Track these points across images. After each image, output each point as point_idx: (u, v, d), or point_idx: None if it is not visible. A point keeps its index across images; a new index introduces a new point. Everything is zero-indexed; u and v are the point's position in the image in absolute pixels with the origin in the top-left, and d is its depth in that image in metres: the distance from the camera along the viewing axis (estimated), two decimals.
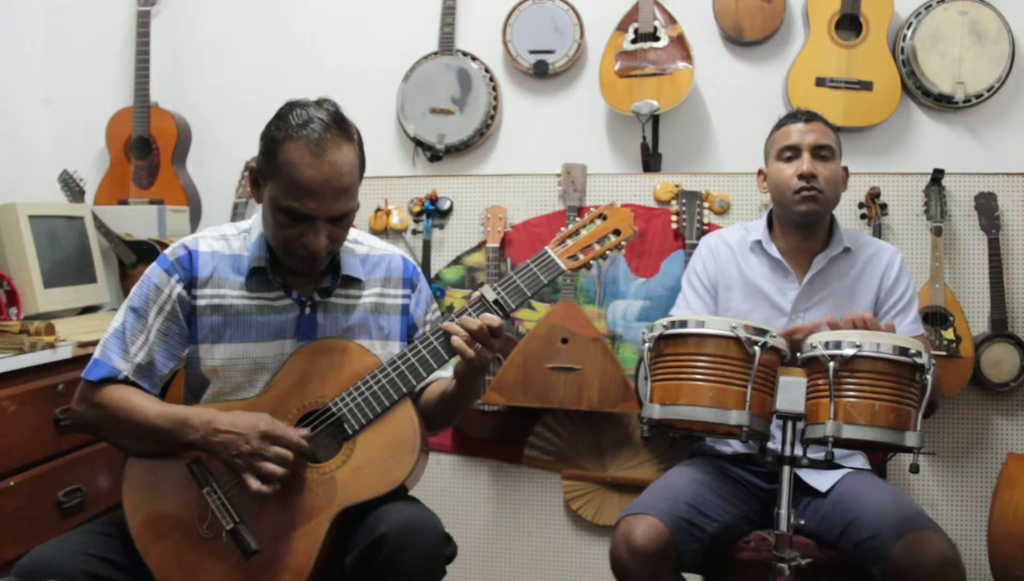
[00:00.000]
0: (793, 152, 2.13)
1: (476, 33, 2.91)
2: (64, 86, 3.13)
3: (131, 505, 1.62)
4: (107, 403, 1.65)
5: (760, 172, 2.27)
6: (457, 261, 2.91)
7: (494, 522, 2.90)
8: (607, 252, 1.73)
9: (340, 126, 1.62)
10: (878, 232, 2.57)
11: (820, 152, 2.11)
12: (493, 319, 1.63)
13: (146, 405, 1.64)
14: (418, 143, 2.91)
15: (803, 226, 2.17)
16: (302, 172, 1.57)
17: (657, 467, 2.72)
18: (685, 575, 1.97)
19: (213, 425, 1.59)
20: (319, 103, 1.65)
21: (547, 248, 1.71)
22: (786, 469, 1.69)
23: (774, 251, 2.18)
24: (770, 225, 2.23)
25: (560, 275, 1.70)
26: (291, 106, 1.64)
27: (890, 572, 1.77)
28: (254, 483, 1.56)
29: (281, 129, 1.60)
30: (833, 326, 1.80)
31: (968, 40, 2.59)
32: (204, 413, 1.62)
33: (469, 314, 1.66)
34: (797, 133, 2.13)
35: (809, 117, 2.16)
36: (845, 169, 2.20)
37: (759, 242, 2.21)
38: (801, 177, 2.09)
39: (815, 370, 1.67)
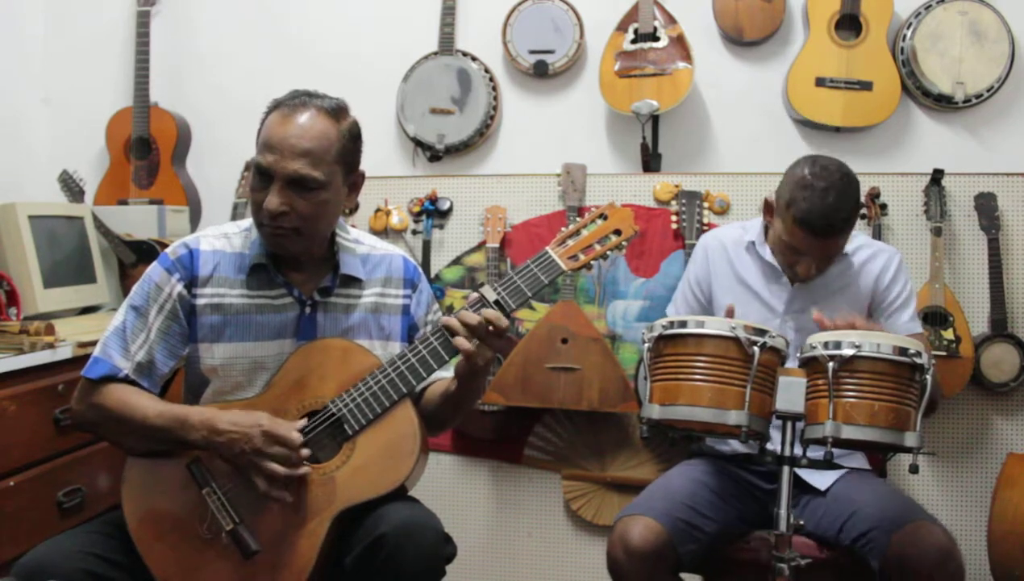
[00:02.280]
0: (798, 252, 2.04)
1: (476, 33, 2.91)
2: (64, 86, 3.13)
3: (131, 505, 1.62)
4: (107, 402, 1.65)
5: (767, 203, 2.11)
6: (457, 261, 2.91)
7: (494, 522, 2.90)
8: (608, 252, 1.73)
9: (329, 107, 1.67)
10: (878, 232, 2.57)
11: (827, 258, 2.05)
12: (500, 319, 1.63)
13: (146, 404, 1.64)
14: (418, 143, 2.91)
15: None
16: (270, 129, 1.65)
17: (657, 467, 2.71)
18: (685, 575, 1.97)
19: (214, 425, 1.59)
20: (327, 95, 1.70)
21: (548, 248, 1.71)
22: (785, 469, 1.69)
23: (767, 254, 2.18)
24: (765, 227, 2.23)
25: (561, 275, 1.70)
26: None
27: (889, 562, 1.78)
28: (262, 484, 1.56)
29: (274, 103, 1.69)
30: (819, 324, 1.80)
31: (968, 40, 2.59)
32: (204, 412, 1.62)
33: (469, 312, 1.66)
34: (807, 246, 2.00)
35: (827, 234, 1.97)
36: None
37: (753, 243, 2.21)
38: (797, 273, 2.08)
39: (814, 370, 1.67)
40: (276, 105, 1.68)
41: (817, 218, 1.94)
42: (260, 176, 1.64)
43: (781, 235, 2.05)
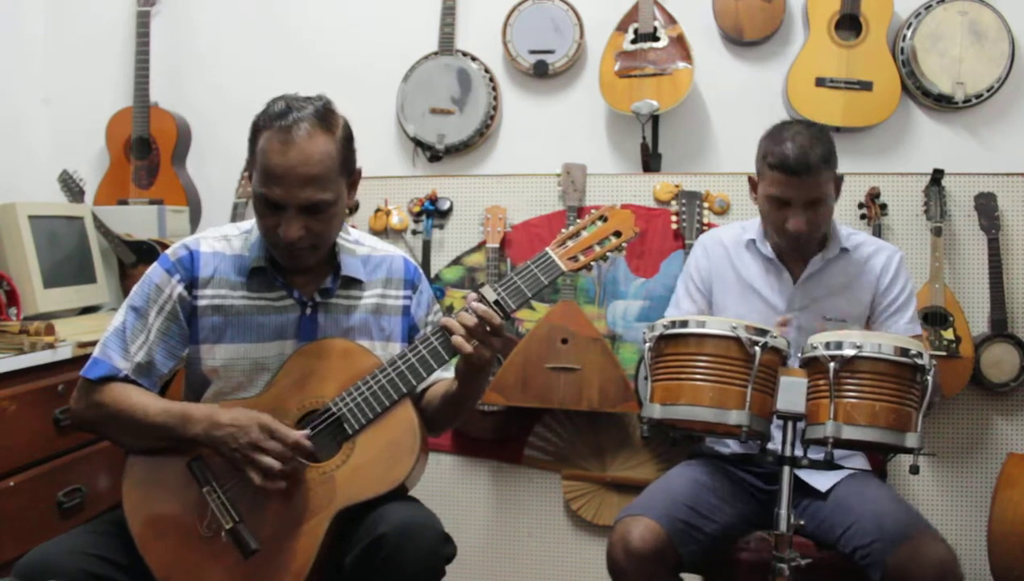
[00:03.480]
0: (783, 203, 2.03)
1: (476, 33, 2.91)
2: (64, 86, 3.13)
3: (131, 505, 1.62)
4: (107, 401, 1.65)
5: (751, 180, 2.15)
6: (457, 261, 2.91)
7: (494, 522, 2.90)
8: (608, 254, 1.73)
9: (320, 118, 1.62)
10: (878, 232, 2.57)
11: (813, 204, 2.02)
12: (491, 316, 1.63)
13: (146, 402, 1.64)
14: (418, 143, 2.91)
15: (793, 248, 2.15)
16: (270, 158, 1.60)
17: (657, 467, 2.71)
18: (685, 575, 1.97)
19: (215, 419, 1.59)
20: (308, 97, 1.66)
21: (548, 249, 1.71)
22: (786, 469, 1.69)
23: (768, 251, 2.18)
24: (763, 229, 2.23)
25: (560, 276, 1.70)
26: (277, 98, 1.66)
27: (889, 578, 1.77)
28: (256, 478, 1.56)
29: (261, 119, 1.64)
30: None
31: (968, 40, 2.59)
32: (205, 408, 1.63)
33: (468, 313, 1.66)
34: (789, 187, 2.00)
35: (804, 170, 1.97)
36: (841, 177, 2.11)
37: (754, 241, 2.21)
38: (789, 230, 2.04)
39: (815, 370, 1.67)
40: (265, 124, 1.62)
41: (791, 157, 1.97)
42: (266, 204, 1.63)
43: (765, 194, 2.05)
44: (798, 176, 1.98)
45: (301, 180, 1.59)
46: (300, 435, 1.59)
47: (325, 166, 1.61)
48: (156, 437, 1.63)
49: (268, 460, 1.55)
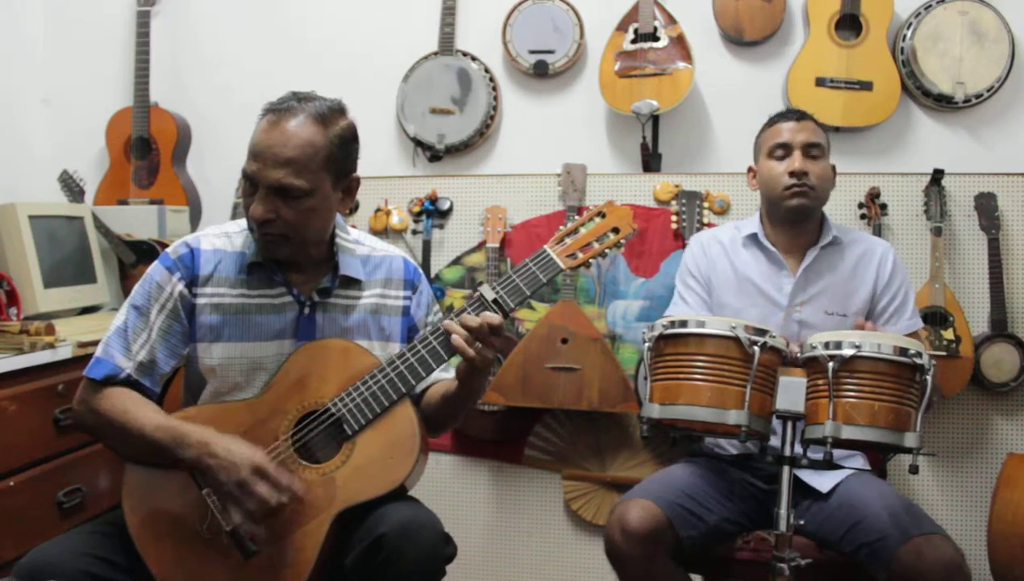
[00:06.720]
0: (784, 150, 2.14)
1: (476, 33, 2.91)
2: (64, 86, 3.14)
3: (130, 505, 1.62)
4: (107, 408, 1.63)
5: (750, 169, 2.28)
6: (457, 261, 2.91)
7: (494, 522, 2.90)
8: (606, 250, 1.72)
9: (319, 112, 1.64)
10: (878, 232, 2.57)
11: (811, 151, 2.13)
12: (493, 317, 1.63)
13: (145, 416, 1.61)
14: (418, 143, 2.91)
15: (794, 222, 2.18)
16: (255, 136, 1.64)
17: (657, 467, 2.71)
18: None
19: (209, 447, 1.56)
20: (324, 98, 1.68)
21: (546, 247, 1.71)
22: (785, 469, 1.69)
23: (769, 244, 2.19)
24: (762, 222, 2.24)
25: (559, 274, 1.70)
26: (294, 92, 1.69)
27: (895, 576, 1.77)
28: (235, 516, 1.55)
29: (268, 104, 1.67)
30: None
31: (968, 40, 2.59)
32: (203, 432, 1.59)
33: (468, 313, 1.66)
34: (788, 131, 2.15)
35: (800, 116, 2.18)
36: (833, 167, 2.21)
37: (753, 236, 2.21)
38: (792, 174, 2.11)
39: (815, 370, 1.67)
40: (267, 108, 1.66)
41: (788, 110, 2.24)
42: (248, 182, 1.64)
43: (767, 150, 2.17)
44: (796, 120, 2.19)
45: (275, 160, 1.60)
46: (293, 482, 1.57)
47: (303, 153, 1.61)
48: (149, 453, 1.61)
49: (250, 506, 1.54)
